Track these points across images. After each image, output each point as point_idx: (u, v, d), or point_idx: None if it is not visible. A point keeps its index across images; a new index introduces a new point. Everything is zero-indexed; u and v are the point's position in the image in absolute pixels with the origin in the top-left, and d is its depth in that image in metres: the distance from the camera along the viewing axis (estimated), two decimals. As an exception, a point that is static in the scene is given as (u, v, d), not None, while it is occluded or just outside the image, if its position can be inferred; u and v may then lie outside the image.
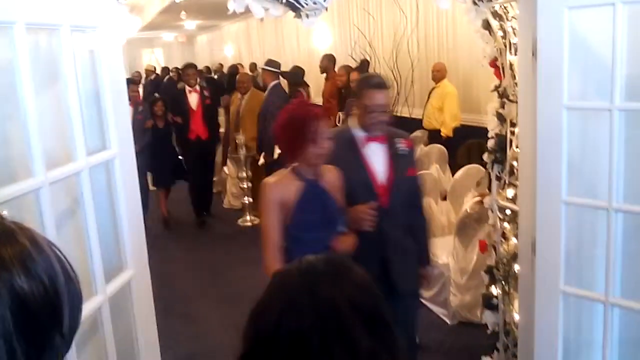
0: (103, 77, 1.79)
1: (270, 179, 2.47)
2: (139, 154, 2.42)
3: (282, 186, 2.42)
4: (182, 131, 7.32)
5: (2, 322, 0.69)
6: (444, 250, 4.78)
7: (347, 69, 7.09)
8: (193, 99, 7.31)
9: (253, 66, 12.70)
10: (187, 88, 7.37)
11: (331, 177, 2.57)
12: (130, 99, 7.18)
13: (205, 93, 7.46)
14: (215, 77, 13.24)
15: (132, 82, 9.61)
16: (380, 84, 2.77)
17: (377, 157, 2.80)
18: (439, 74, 7.23)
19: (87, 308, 1.62)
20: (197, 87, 7.39)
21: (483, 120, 7.32)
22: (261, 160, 6.51)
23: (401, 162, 2.83)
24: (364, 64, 5.73)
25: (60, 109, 1.62)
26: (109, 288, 1.74)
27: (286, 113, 2.49)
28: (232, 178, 7.94)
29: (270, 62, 6.97)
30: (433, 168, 6.42)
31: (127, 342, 1.90)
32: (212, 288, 5.51)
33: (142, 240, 2.00)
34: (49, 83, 1.64)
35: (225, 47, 18.53)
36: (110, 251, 1.84)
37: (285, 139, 2.47)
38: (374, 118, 2.73)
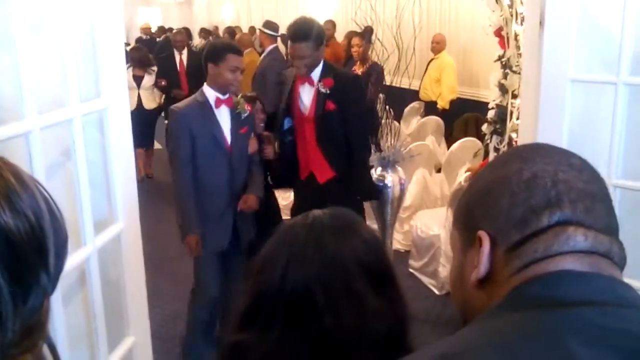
0: (99, 26, 1.73)
1: None
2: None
3: None
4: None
5: None
6: (435, 222, 4.78)
7: (351, 34, 6.99)
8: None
9: (252, 30, 12.52)
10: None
11: None
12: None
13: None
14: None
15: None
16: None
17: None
18: (438, 46, 7.16)
19: (76, 258, 1.58)
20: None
21: (480, 94, 7.29)
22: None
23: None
24: (368, 31, 5.62)
25: (54, 54, 1.57)
26: (98, 240, 1.71)
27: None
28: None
29: (268, 24, 6.78)
30: (429, 140, 6.39)
31: (115, 296, 1.88)
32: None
33: (134, 195, 1.96)
34: (44, 27, 1.57)
35: (224, 10, 18.25)
36: (100, 203, 1.81)
37: None
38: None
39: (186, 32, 11.95)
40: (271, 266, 0.99)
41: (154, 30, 16.32)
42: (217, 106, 3.28)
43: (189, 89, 7.23)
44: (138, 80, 7.62)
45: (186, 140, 3.21)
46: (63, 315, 1.51)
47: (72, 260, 1.55)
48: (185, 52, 7.96)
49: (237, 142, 3.37)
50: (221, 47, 3.34)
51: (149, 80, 7.72)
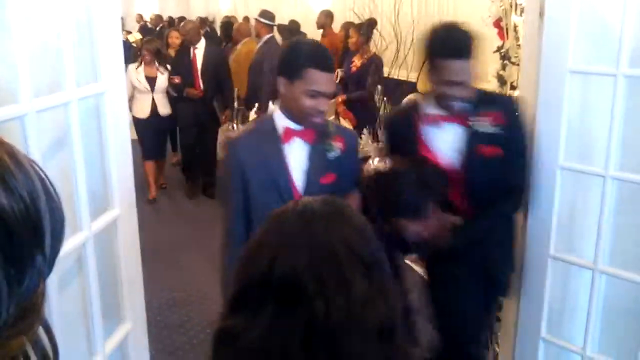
0: (96, 10, 1.71)
1: None
2: None
3: None
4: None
5: None
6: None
7: (347, 25, 6.96)
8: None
9: (246, 19, 12.41)
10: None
11: None
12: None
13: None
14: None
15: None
16: None
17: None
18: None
19: (72, 244, 1.58)
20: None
21: (478, 86, 7.28)
22: (252, 115, 6.41)
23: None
24: (369, 23, 5.56)
25: (50, 38, 1.55)
26: (94, 225, 1.70)
27: None
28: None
29: (264, 14, 6.70)
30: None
31: (111, 282, 1.87)
32: (196, 238, 5.51)
33: (130, 181, 1.95)
34: (40, 10, 1.55)
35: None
36: (96, 189, 1.80)
37: None
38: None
39: (201, 22, 10.99)
40: (260, 252, 0.98)
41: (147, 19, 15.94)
42: (287, 140, 2.16)
43: (205, 88, 6.47)
44: (151, 82, 6.44)
45: (237, 183, 2.16)
46: (58, 301, 1.51)
47: (68, 246, 1.54)
48: (201, 44, 6.54)
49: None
50: (299, 56, 2.07)
51: (163, 81, 6.48)
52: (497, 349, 2.91)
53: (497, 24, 2.94)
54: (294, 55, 2.09)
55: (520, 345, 2.55)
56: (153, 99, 6.46)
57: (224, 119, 6.68)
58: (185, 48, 6.68)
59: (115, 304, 1.91)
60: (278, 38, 7.25)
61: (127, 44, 8.94)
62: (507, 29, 2.88)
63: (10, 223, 0.68)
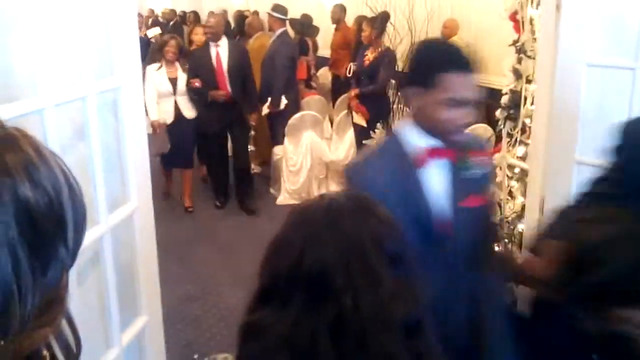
0: (112, 5, 1.72)
1: None
2: None
3: None
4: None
5: (7, 230, 0.65)
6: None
7: (360, 19, 6.93)
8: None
9: (255, 14, 12.36)
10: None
11: None
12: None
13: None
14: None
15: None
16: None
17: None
18: (446, 30, 7.04)
19: (89, 237, 1.59)
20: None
21: (490, 81, 7.22)
22: (265, 110, 6.41)
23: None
24: (382, 17, 5.50)
25: (68, 33, 1.56)
26: (111, 218, 1.71)
27: None
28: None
29: (277, 7, 6.66)
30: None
31: (128, 275, 1.89)
32: (209, 235, 5.53)
33: (147, 175, 1.96)
34: (58, 5, 1.56)
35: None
36: (113, 183, 1.81)
37: None
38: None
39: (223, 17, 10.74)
40: (287, 247, 0.99)
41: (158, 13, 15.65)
42: (423, 163, 1.72)
43: (232, 90, 5.73)
44: (174, 83, 5.80)
45: None
46: (76, 294, 1.52)
47: (86, 239, 1.54)
48: (223, 42, 5.78)
49: (464, 223, 1.75)
50: (431, 58, 1.72)
51: (184, 80, 5.83)
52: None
53: (513, 17, 2.92)
54: (423, 58, 1.73)
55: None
56: (176, 102, 5.84)
57: (254, 123, 6.15)
58: (205, 46, 5.89)
59: (132, 296, 1.93)
60: (290, 32, 7.23)
61: (145, 40, 8.57)
62: (523, 22, 2.86)
63: (36, 215, 0.68)
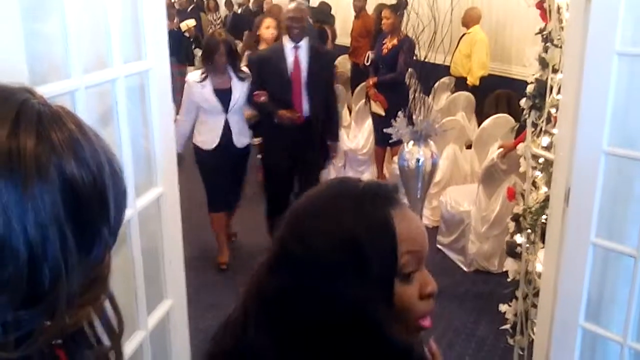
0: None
1: None
2: None
3: None
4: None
5: (53, 207, 0.66)
6: (465, 198, 4.75)
7: (381, 6, 6.89)
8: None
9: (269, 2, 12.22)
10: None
11: None
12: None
13: None
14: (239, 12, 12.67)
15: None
16: None
17: None
18: (467, 19, 6.98)
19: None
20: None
21: (512, 71, 7.17)
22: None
23: None
24: (401, 3, 5.50)
25: (99, 17, 1.56)
26: (138, 202, 1.72)
27: None
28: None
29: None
30: (459, 115, 6.32)
31: (154, 258, 1.90)
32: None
33: (173, 160, 1.97)
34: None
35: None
36: (140, 167, 1.82)
37: None
38: None
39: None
40: (319, 216, 0.95)
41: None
42: None
43: (310, 110, 4.26)
44: (224, 97, 4.25)
45: None
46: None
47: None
48: (304, 43, 4.23)
49: None
50: None
51: (242, 94, 4.28)
52: (532, 335, 2.89)
53: (540, 5, 2.88)
54: None
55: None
56: (227, 122, 4.29)
57: (336, 155, 4.73)
58: (277, 46, 4.38)
59: (157, 280, 1.94)
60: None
61: (178, 33, 7.87)
62: (550, 10, 2.81)
63: (81, 193, 0.69)
